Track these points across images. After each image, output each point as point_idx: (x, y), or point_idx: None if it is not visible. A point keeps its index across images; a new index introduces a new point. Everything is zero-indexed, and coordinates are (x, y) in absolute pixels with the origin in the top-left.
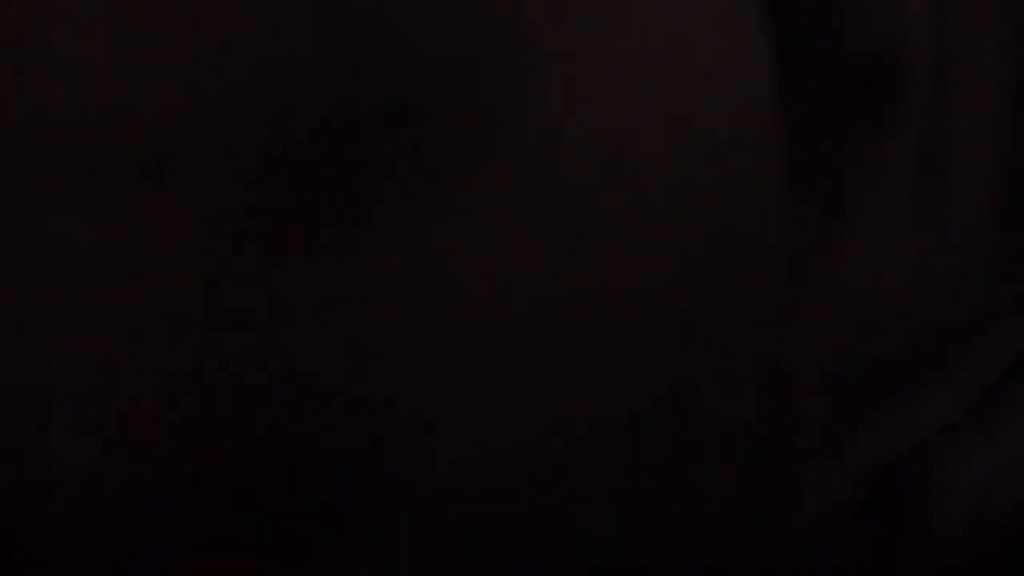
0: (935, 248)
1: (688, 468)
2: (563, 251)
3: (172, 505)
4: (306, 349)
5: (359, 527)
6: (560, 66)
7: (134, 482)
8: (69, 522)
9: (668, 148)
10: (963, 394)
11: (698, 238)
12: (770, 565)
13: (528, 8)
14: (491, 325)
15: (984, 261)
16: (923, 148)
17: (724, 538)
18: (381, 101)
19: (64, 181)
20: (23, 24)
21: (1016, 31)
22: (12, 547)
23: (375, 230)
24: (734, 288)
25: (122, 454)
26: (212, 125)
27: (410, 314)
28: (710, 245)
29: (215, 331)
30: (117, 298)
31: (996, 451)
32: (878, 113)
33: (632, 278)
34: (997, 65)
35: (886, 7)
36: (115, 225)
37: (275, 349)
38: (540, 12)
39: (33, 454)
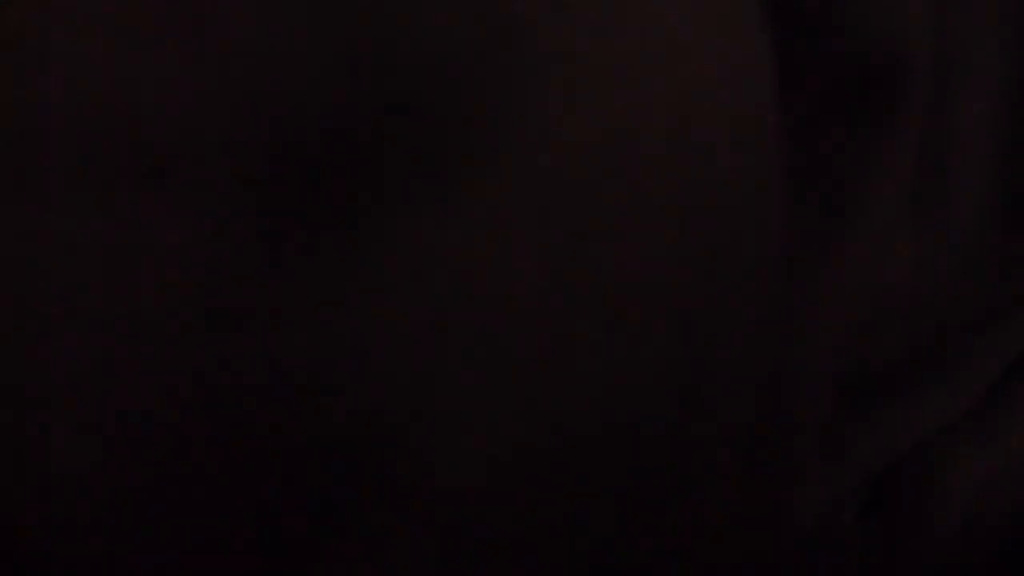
0: (935, 248)
1: (688, 468)
2: (563, 251)
3: (172, 505)
4: (306, 349)
5: (359, 527)
6: (560, 66)
7: (134, 482)
8: (69, 522)
9: (668, 148)
10: (963, 394)
11: (698, 238)
12: (770, 565)
13: (528, 8)
14: (491, 325)
15: (984, 261)
16: (923, 148)
17: (724, 538)
18: (381, 101)
19: (64, 181)
20: (23, 24)
21: (1016, 31)
22: (12, 547)
23: (375, 230)
24: (734, 288)
25: (122, 454)
26: (212, 125)
27: (410, 314)
28: (710, 245)
29: (215, 331)
30: (117, 298)
31: (996, 451)
32: (878, 113)
33: (632, 278)
34: (997, 65)
35: (886, 7)
36: (115, 225)
37: (275, 349)
38: (540, 12)
39: (33, 454)
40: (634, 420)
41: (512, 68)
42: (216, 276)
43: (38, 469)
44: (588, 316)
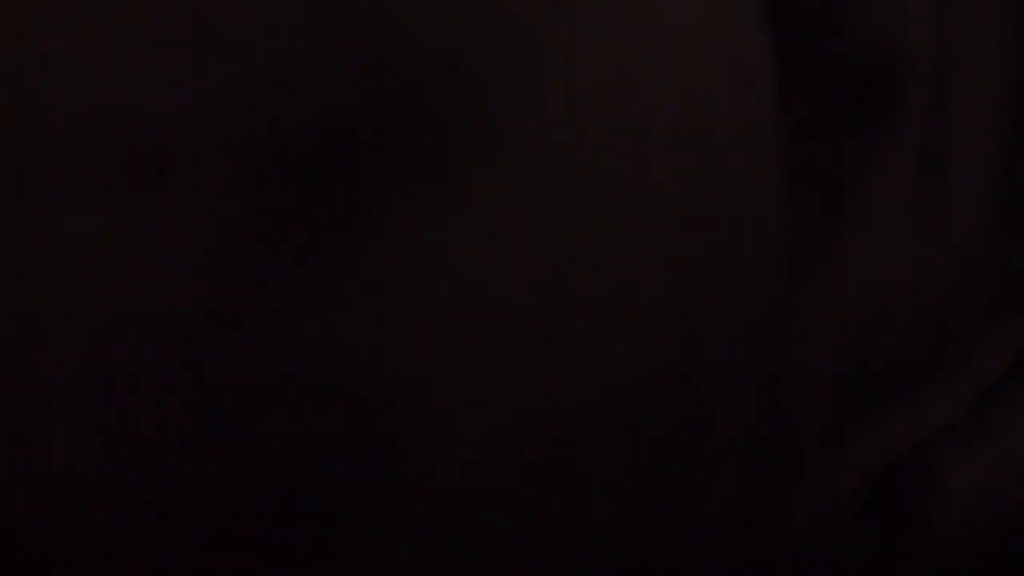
0: (935, 248)
1: (688, 468)
2: (563, 251)
3: (172, 505)
4: (306, 349)
5: (359, 529)
6: (560, 66)
7: (134, 482)
8: (69, 522)
9: (668, 148)
10: (963, 394)
11: (698, 238)
12: (770, 565)
13: (528, 8)
14: (491, 326)
15: (984, 261)
16: (923, 148)
17: (724, 538)
18: (381, 101)
19: (64, 181)
20: (23, 24)
21: (1016, 31)
22: (12, 547)
23: (375, 230)
24: (734, 288)
25: (122, 454)
26: (212, 125)
27: (410, 314)
28: (710, 245)
29: (215, 331)
30: (117, 298)
31: (996, 451)
32: (878, 113)
33: (632, 278)
34: (997, 65)
35: (886, 7)
36: (115, 225)
37: (275, 349)
38: (540, 12)
39: (33, 454)
40: (634, 420)
41: (512, 68)
42: (216, 276)
43: (38, 469)
44: (588, 316)
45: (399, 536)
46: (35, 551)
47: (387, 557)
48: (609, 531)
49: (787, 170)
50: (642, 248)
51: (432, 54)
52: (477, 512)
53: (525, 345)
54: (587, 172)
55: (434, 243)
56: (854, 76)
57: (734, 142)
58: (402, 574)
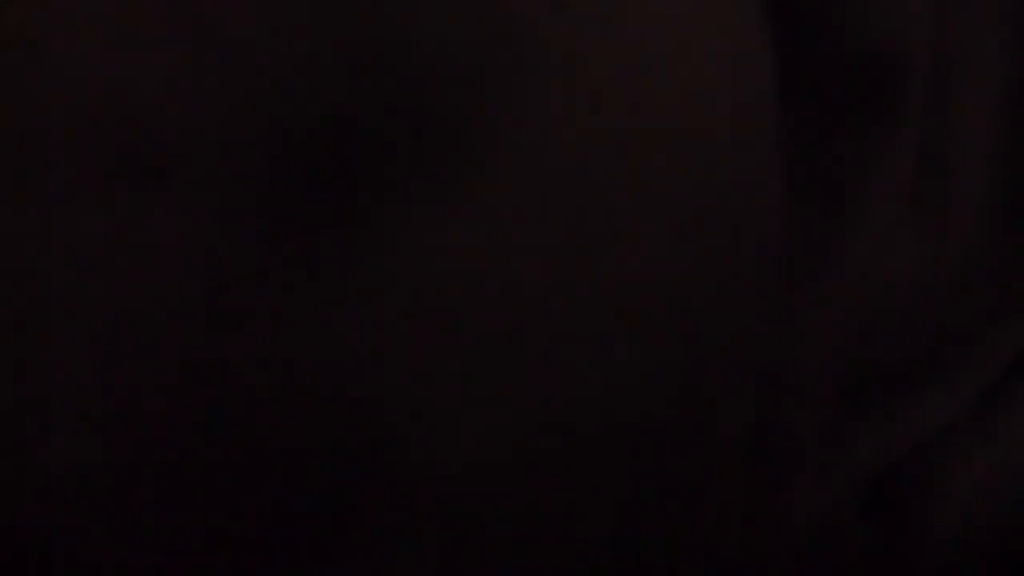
0: (935, 248)
1: (688, 468)
2: (563, 251)
3: (172, 505)
4: (306, 349)
5: (360, 528)
6: (560, 66)
7: (134, 482)
8: (69, 522)
9: (668, 148)
10: (963, 394)
11: (698, 238)
12: (770, 565)
13: (528, 8)
14: (491, 325)
15: (984, 261)
16: (923, 148)
17: (724, 538)
18: (381, 101)
19: (64, 181)
20: (23, 24)
21: (1016, 31)
22: (12, 547)
23: (375, 230)
24: (734, 288)
25: (122, 454)
26: (212, 125)
27: (410, 314)
28: (710, 245)
29: (215, 331)
30: (117, 298)
31: (996, 451)
32: (878, 113)
33: (632, 278)
34: (997, 65)
35: (886, 7)
36: (115, 225)
37: (275, 349)
38: (540, 12)
39: (33, 454)
40: (634, 420)
41: (512, 68)
42: (216, 276)
43: (38, 469)
44: (588, 316)
45: (399, 535)
46: (36, 551)
47: (387, 556)
48: (609, 531)
49: (787, 170)
50: (642, 248)
51: (432, 54)
52: (477, 512)
53: (525, 345)
54: (587, 172)
55: (434, 243)
56: (854, 76)
57: (734, 142)
58: (402, 573)
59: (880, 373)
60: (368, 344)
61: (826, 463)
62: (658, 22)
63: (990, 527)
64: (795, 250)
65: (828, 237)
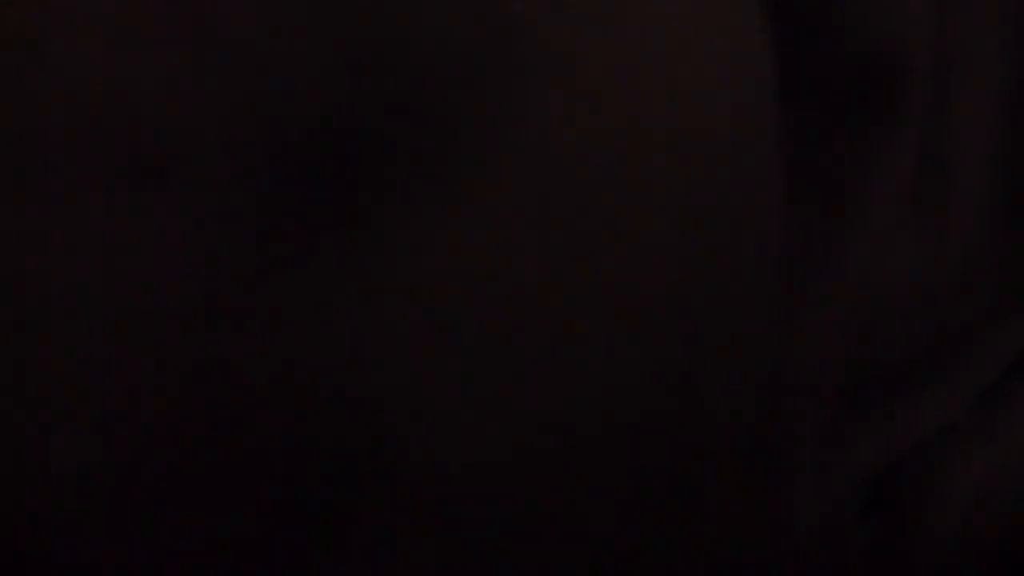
0: (935, 248)
1: (688, 468)
2: (563, 251)
3: (172, 505)
4: (306, 349)
5: (360, 527)
6: (560, 66)
7: (134, 482)
8: (69, 522)
9: (668, 148)
10: (963, 394)
11: (698, 238)
12: (770, 565)
13: (528, 8)
14: (491, 325)
15: (984, 261)
16: (923, 148)
17: (724, 538)
18: (381, 101)
19: (64, 181)
20: (23, 24)
21: (1016, 31)
22: (12, 547)
23: (375, 230)
24: (734, 288)
25: (122, 454)
26: (212, 125)
27: (410, 314)
28: (710, 245)
29: (215, 331)
30: (117, 298)
31: (996, 451)
32: (878, 113)
33: (631, 278)
34: (997, 65)
35: (886, 7)
36: (115, 225)
37: (275, 349)
38: (540, 12)
39: (33, 454)
40: (634, 420)
41: (512, 68)
42: (216, 276)
43: (38, 469)
44: (588, 316)
45: (399, 535)
46: (36, 551)
47: (387, 555)
48: (609, 530)
49: (787, 170)
50: (642, 248)
51: (432, 54)
52: (477, 511)
53: (525, 345)
54: (587, 172)
55: (434, 243)
56: (854, 76)
57: (734, 142)
58: (402, 573)
59: (880, 373)
60: (368, 344)
61: (826, 463)
62: (658, 22)
63: (990, 527)
64: (795, 250)
65: (828, 237)
